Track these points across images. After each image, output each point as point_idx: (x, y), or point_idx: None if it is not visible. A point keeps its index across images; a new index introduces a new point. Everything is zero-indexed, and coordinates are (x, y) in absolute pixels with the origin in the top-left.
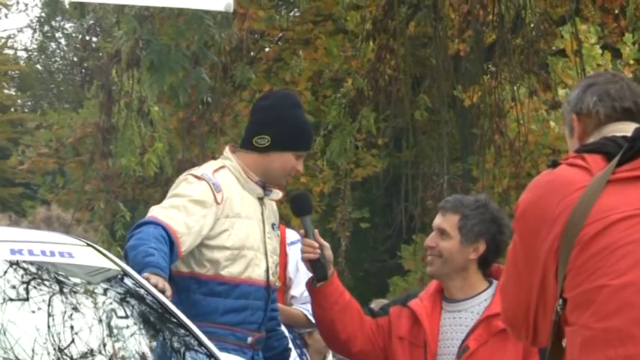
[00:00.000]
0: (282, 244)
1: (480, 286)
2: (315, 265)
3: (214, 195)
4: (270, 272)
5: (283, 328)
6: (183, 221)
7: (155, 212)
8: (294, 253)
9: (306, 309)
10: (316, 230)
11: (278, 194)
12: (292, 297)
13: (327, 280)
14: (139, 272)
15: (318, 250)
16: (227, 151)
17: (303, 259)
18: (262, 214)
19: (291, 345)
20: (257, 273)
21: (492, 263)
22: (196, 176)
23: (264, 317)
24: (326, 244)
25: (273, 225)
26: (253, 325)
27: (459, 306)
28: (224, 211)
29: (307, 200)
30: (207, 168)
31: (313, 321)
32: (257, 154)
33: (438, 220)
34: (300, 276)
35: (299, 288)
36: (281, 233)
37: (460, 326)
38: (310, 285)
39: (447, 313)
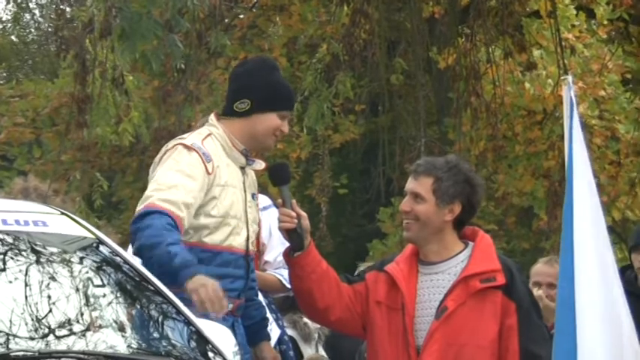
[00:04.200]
0: None
1: (456, 248)
2: (292, 234)
3: (205, 166)
4: (250, 241)
5: (260, 296)
6: (183, 202)
7: (154, 198)
8: (267, 219)
9: (280, 274)
10: (294, 200)
11: (261, 164)
12: (266, 262)
13: (305, 250)
14: (175, 276)
15: (296, 220)
16: (212, 118)
17: (280, 229)
18: (244, 183)
19: (268, 314)
20: (238, 242)
21: (466, 224)
22: (187, 146)
23: (245, 285)
24: (303, 213)
25: (253, 195)
26: (234, 292)
27: (436, 268)
28: (214, 181)
29: (285, 170)
30: (195, 137)
31: (288, 286)
32: (240, 120)
33: (412, 184)
34: (273, 241)
35: (272, 253)
36: None
37: (437, 288)
38: (287, 255)
39: (423, 275)
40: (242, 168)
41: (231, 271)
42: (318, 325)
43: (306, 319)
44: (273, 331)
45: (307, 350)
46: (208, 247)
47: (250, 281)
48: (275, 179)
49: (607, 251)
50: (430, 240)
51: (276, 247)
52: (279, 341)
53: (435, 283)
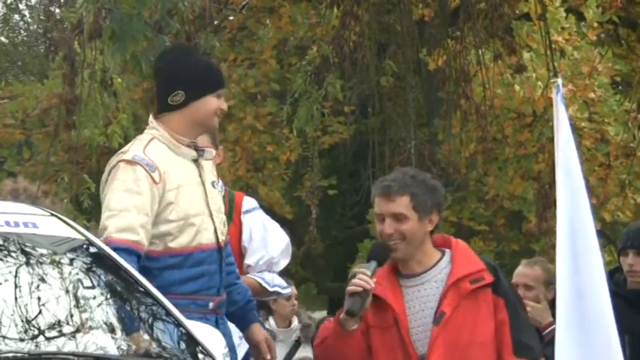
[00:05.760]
0: (237, 212)
1: (435, 256)
2: (356, 299)
3: (151, 176)
4: (219, 232)
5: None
6: (139, 223)
7: (110, 229)
8: (249, 222)
9: (261, 277)
10: (374, 279)
11: (211, 153)
12: (248, 266)
13: (359, 322)
14: None
15: (369, 287)
16: (151, 120)
17: (351, 286)
18: (200, 175)
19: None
20: (207, 237)
21: (436, 229)
22: (128, 161)
23: (221, 279)
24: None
25: (213, 183)
26: (212, 289)
27: (420, 279)
28: (165, 187)
29: (384, 253)
30: (136, 147)
31: (270, 289)
32: (178, 112)
33: (388, 206)
34: (254, 244)
35: (254, 257)
36: (237, 200)
37: (427, 297)
38: (339, 317)
39: (407, 288)
40: (195, 160)
41: (206, 268)
42: (283, 329)
43: (271, 323)
44: None
45: None
46: (177, 252)
47: (226, 274)
48: (373, 254)
49: (595, 256)
50: (414, 254)
51: (257, 250)
52: None
53: (423, 293)
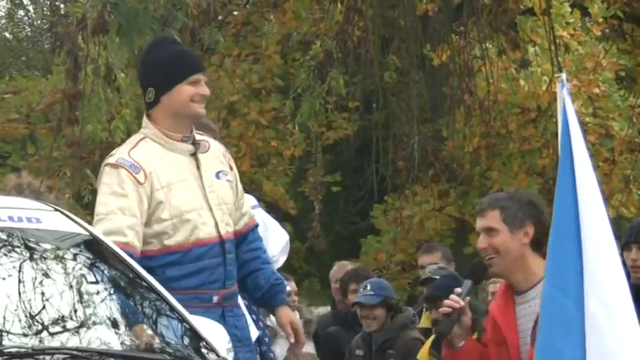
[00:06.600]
0: None
1: (541, 272)
2: (446, 319)
3: (135, 178)
4: (221, 225)
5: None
6: (127, 225)
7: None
8: None
9: None
10: (469, 298)
11: (205, 146)
12: None
13: (462, 344)
14: None
15: (458, 305)
16: (144, 119)
17: (442, 307)
18: (199, 169)
19: (247, 315)
20: (206, 232)
21: (544, 245)
22: (112, 165)
23: (226, 272)
24: (469, 313)
25: (218, 173)
26: (215, 283)
27: (527, 296)
28: (152, 187)
29: (481, 271)
30: (123, 149)
31: None
32: (157, 109)
33: (481, 223)
34: None
35: None
36: None
37: (531, 315)
38: (449, 343)
39: (519, 306)
40: (193, 154)
41: (207, 263)
42: None
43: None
44: (252, 332)
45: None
46: (174, 249)
47: (250, 259)
48: (470, 273)
49: (613, 246)
50: (514, 269)
51: None
52: (259, 342)
53: (529, 311)
